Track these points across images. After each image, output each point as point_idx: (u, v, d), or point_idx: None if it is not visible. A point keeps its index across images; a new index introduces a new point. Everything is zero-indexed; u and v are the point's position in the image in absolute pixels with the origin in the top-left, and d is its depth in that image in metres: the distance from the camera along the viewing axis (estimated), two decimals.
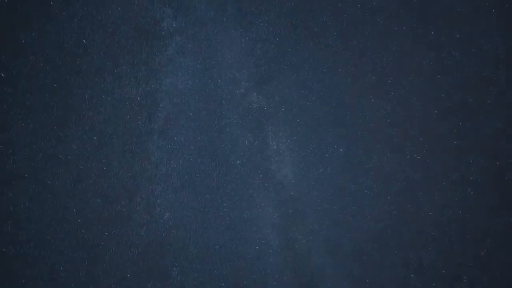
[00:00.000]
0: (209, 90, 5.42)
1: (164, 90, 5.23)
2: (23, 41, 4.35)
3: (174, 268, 5.32)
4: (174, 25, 5.17)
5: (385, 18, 5.75)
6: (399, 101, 5.91)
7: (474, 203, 5.58)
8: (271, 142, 5.77)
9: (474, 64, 5.64)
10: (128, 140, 5.15)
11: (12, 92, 4.65)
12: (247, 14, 5.35)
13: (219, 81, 5.41)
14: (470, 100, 5.65)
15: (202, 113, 5.44)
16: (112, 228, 5.08)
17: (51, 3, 4.54)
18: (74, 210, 4.99)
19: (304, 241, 5.91)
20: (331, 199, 5.90)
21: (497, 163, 5.66)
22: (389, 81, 5.82)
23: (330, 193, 5.88)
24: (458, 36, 5.60)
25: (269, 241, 5.85)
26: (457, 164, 5.61)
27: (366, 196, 5.90)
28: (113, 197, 5.07)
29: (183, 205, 5.51)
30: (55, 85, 4.77)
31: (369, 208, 5.95)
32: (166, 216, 5.20)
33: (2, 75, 3.79)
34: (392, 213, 5.79)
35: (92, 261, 5.02)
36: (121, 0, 4.89)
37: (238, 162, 5.64)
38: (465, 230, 5.71)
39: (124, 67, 4.98)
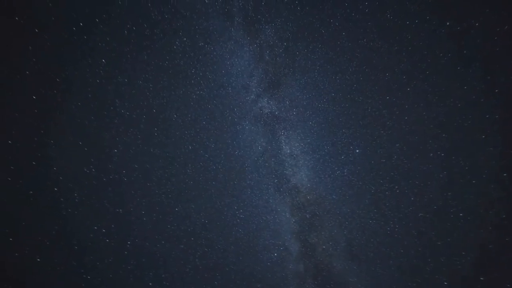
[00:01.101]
0: (220, 98, 5.33)
1: (179, 99, 5.21)
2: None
3: (190, 275, 5.12)
4: (185, 39, 5.18)
5: (395, 14, 5.36)
6: (417, 98, 5.42)
7: (510, 203, 4.86)
8: (284, 146, 5.51)
9: (494, 60, 5.05)
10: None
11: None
12: (254, 22, 5.26)
13: (229, 89, 5.31)
14: (494, 93, 5.03)
15: (214, 121, 5.35)
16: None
17: None
18: None
19: (324, 247, 5.48)
20: (351, 202, 5.45)
21: None
22: (404, 77, 5.37)
23: (349, 196, 5.44)
24: (476, 28, 5.06)
25: (288, 248, 5.50)
26: (487, 160, 4.96)
27: (389, 198, 5.38)
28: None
29: (199, 212, 5.35)
30: None
31: (393, 211, 5.41)
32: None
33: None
34: (418, 216, 5.20)
35: None
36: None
37: (252, 167, 5.42)
38: (505, 234, 4.96)
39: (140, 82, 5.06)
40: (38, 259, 4.95)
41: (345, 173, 5.12)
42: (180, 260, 5.17)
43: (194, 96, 5.02)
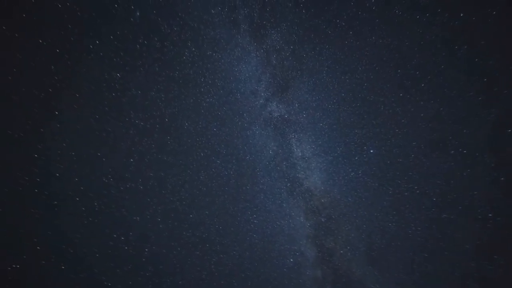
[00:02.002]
0: (230, 104, 5.23)
1: (190, 107, 5.18)
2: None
3: (207, 282, 4.93)
4: (194, 49, 5.17)
5: (404, 9, 5.06)
6: (433, 93, 5.03)
7: None
8: (295, 149, 5.28)
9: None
10: None
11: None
12: (260, 28, 5.16)
13: (238, 95, 5.20)
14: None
15: (225, 127, 5.23)
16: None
17: None
18: None
19: (342, 251, 5.12)
20: (368, 204, 5.08)
21: None
22: (417, 73, 5.01)
23: (365, 198, 5.07)
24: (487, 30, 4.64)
25: (304, 253, 5.19)
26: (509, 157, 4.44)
27: (408, 199, 4.96)
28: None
29: (213, 218, 5.20)
30: None
31: (414, 213, 4.97)
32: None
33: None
34: (442, 217, 4.74)
35: None
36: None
37: (264, 172, 5.22)
38: None
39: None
40: (63, 267, 4.97)
41: (360, 175, 4.78)
42: (197, 267, 5.00)
43: (204, 104, 4.95)
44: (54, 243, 5.02)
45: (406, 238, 4.58)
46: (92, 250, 5.08)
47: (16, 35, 4.54)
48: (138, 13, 4.86)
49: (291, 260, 4.77)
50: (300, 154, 4.92)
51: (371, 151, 4.77)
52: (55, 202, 4.95)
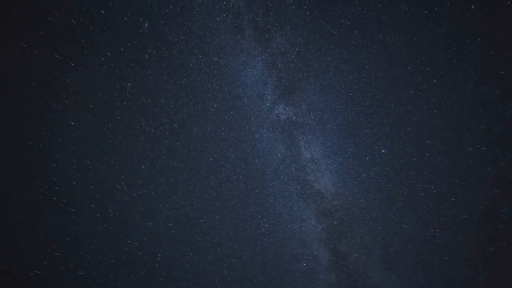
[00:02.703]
0: (237, 108, 5.15)
1: (198, 113, 5.14)
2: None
3: (219, 287, 4.79)
4: (200, 56, 5.16)
5: (411, 5, 4.83)
6: (446, 89, 4.74)
7: None
8: (304, 152, 5.10)
9: None
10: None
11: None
12: (264, 32, 5.09)
13: (245, 99, 5.12)
14: None
15: (233, 132, 5.15)
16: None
17: None
18: None
19: (356, 255, 4.85)
20: (382, 206, 4.81)
21: None
22: (428, 68, 4.75)
23: (379, 200, 4.81)
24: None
25: (317, 257, 4.95)
26: None
27: (425, 200, 4.65)
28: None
29: (224, 222, 5.08)
30: None
31: (431, 214, 4.65)
32: None
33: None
34: (462, 218, 4.39)
35: None
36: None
37: (273, 175, 5.07)
38: None
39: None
40: (81, 273, 4.99)
41: (372, 175, 4.52)
42: (209, 272, 4.88)
43: (212, 109, 4.90)
44: (72, 249, 5.05)
45: (424, 241, 4.27)
46: (108, 256, 5.08)
47: (35, 51, 4.68)
48: (146, 25, 4.91)
49: (304, 264, 4.55)
50: (309, 156, 4.73)
51: (383, 151, 4.51)
52: (72, 209, 5.01)
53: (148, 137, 5.16)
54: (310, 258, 4.63)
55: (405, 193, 4.44)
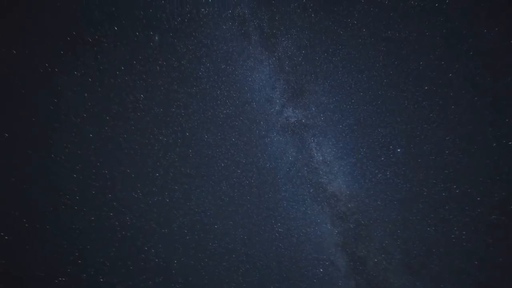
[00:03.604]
0: (246, 113, 5.03)
1: (208, 120, 5.08)
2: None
3: None
4: (209, 65, 5.12)
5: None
6: (463, 82, 4.38)
7: None
8: (315, 154, 4.87)
9: None
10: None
11: None
12: (270, 37, 4.99)
13: (254, 104, 5.00)
14: None
15: (243, 137, 5.02)
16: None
17: None
18: None
19: (376, 260, 4.50)
20: (401, 208, 4.46)
21: None
22: (442, 62, 4.42)
23: (397, 201, 4.46)
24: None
25: (334, 262, 4.65)
26: None
27: (447, 200, 4.26)
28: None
29: (238, 228, 4.91)
30: None
31: (455, 215, 4.25)
32: None
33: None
34: (491, 219, 3.97)
35: None
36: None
37: (285, 179, 4.86)
38: None
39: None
40: (101, 279, 4.98)
41: (388, 176, 4.21)
42: (225, 278, 4.70)
43: (222, 116, 4.81)
44: (93, 257, 5.06)
45: (449, 244, 3.87)
46: (126, 263, 5.05)
47: (56, 69, 4.83)
48: (157, 38, 4.95)
49: (321, 270, 4.27)
50: (321, 158, 4.49)
51: (398, 150, 4.20)
52: (92, 218, 5.04)
53: (161, 146, 5.15)
54: (327, 263, 4.34)
55: (425, 193, 4.08)
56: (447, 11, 4.24)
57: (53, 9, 4.58)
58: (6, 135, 4.65)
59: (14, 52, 4.70)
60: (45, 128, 4.83)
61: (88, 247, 5.11)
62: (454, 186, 4.03)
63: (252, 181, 4.83)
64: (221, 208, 4.95)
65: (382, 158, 4.28)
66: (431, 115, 4.27)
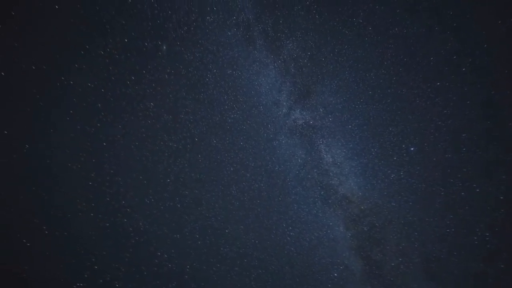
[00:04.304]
0: (254, 117, 4.94)
1: (216, 125, 5.03)
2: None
3: None
4: (215, 71, 5.10)
5: None
6: (478, 76, 4.10)
7: None
8: (325, 155, 4.69)
9: None
10: None
11: None
12: (275, 41, 4.91)
13: (261, 107, 4.91)
14: None
15: (251, 140, 4.93)
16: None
17: None
18: None
19: (393, 264, 4.23)
20: (417, 209, 4.19)
21: None
22: (454, 57, 4.18)
23: (412, 202, 4.20)
24: None
25: (348, 266, 4.41)
26: None
27: (466, 199, 3.96)
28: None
29: (249, 232, 4.78)
30: None
31: (476, 215, 3.94)
32: None
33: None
34: None
35: None
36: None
37: (295, 181, 4.70)
38: None
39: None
40: (117, 285, 4.95)
41: (402, 176, 3.97)
42: (237, 284, 4.56)
43: (230, 120, 4.75)
44: (109, 263, 5.06)
45: (472, 246, 3.57)
46: (140, 269, 5.01)
47: (71, 82, 4.94)
48: (164, 47, 4.98)
49: (335, 274, 4.05)
50: (331, 160, 4.31)
51: (412, 149, 3.96)
52: (107, 224, 5.05)
53: (171, 152, 5.14)
54: (341, 267, 4.11)
55: (442, 193, 3.80)
56: (457, 3, 4.00)
57: (67, 25, 4.71)
58: (27, 146, 4.77)
59: (33, 68, 4.84)
60: (62, 139, 4.92)
61: (104, 253, 5.12)
62: (474, 185, 3.73)
63: (262, 184, 4.70)
64: (232, 213, 4.84)
65: (395, 158, 4.04)
66: (445, 111, 4.01)
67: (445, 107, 4.02)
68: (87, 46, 4.83)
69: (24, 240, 4.83)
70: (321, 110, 4.54)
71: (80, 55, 4.83)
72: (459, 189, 3.82)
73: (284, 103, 4.77)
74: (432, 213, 3.95)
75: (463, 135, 3.87)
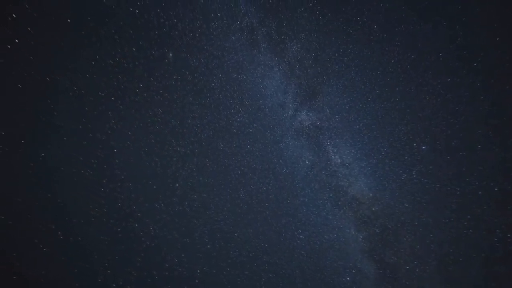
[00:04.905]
0: (260, 120, 4.86)
1: (223, 129, 4.97)
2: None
3: None
4: (220, 75, 5.06)
5: None
6: (492, 71, 3.88)
7: None
8: (333, 156, 4.54)
9: None
10: None
11: None
12: (279, 43, 4.84)
13: (266, 110, 4.82)
14: None
15: (258, 143, 4.83)
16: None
17: None
18: None
19: (408, 267, 4.00)
20: (431, 209, 3.97)
21: None
22: (465, 52, 3.97)
23: (426, 203, 3.98)
24: None
25: (361, 270, 4.21)
26: None
27: (484, 199, 3.72)
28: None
29: (258, 235, 4.65)
30: None
31: (496, 216, 3.68)
32: None
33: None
34: None
35: None
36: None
37: (303, 183, 4.56)
38: None
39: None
40: None
41: (414, 176, 3.77)
42: None
43: (236, 124, 4.68)
44: (121, 267, 5.04)
45: (492, 248, 3.31)
46: (152, 273, 4.96)
47: (83, 92, 5.01)
48: (171, 54, 4.99)
49: (348, 278, 3.86)
50: (339, 161, 4.16)
51: (423, 147, 3.76)
52: (119, 229, 5.04)
53: (179, 156, 5.11)
54: (354, 271, 3.91)
55: (458, 193, 3.58)
56: None
57: (80, 38, 4.80)
58: (43, 154, 4.85)
59: (48, 79, 4.94)
60: (75, 147, 4.97)
61: (116, 257, 5.10)
62: (492, 184, 3.49)
63: (270, 187, 4.58)
64: (240, 216, 4.74)
65: (406, 157, 3.85)
66: (457, 108, 3.79)
67: (457, 104, 3.81)
68: (98, 57, 4.89)
69: (41, 246, 4.87)
70: (328, 110, 4.40)
71: (91, 65, 4.89)
72: (475, 188, 3.58)
73: (290, 105, 4.66)
74: (448, 214, 3.72)
75: (478, 131, 3.64)
